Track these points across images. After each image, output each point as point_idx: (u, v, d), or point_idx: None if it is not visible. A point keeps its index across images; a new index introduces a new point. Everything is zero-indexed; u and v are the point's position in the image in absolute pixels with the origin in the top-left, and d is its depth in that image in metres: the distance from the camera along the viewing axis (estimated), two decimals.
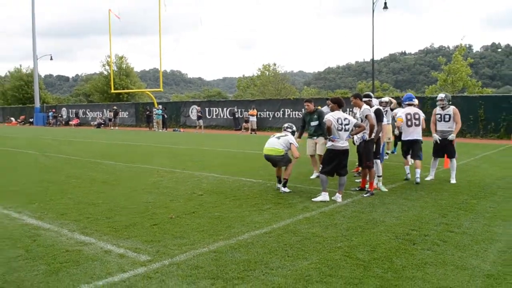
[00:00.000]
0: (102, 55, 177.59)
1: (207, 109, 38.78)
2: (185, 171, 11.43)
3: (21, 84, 69.47)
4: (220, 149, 18.73)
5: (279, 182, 9.00)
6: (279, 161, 8.84)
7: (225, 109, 37.84)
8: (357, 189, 8.92)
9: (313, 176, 10.47)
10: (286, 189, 8.77)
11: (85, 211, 7.21)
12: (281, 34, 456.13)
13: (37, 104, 53.82)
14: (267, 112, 34.63)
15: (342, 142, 7.90)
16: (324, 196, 7.88)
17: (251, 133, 31.58)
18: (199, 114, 37.50)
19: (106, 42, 43.69)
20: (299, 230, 6.05)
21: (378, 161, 9.12)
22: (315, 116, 10.37)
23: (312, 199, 7.92)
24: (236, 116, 35.76)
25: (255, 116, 32.74)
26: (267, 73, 68.62)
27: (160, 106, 39.08)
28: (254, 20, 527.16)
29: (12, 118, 56.13)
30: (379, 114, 9.00)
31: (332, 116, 7.94)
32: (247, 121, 33.47)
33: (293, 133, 9.21)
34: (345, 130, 7.92)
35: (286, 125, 9.39)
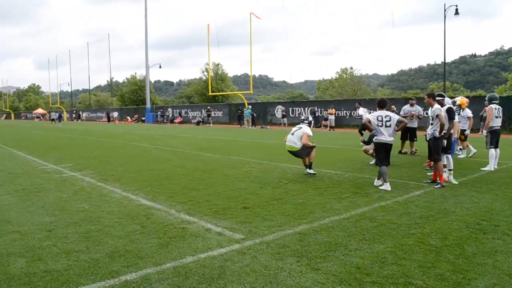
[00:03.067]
0: (201, 63, 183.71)
1: (290, 108, 38.91)
2: (272, 163, 11.52)
3: (136, 88, 73.60)
4: None
5: (307, 168, 9.49)
6: (299, 154, 9.35)
7: (306, 108, 37.75)
8: (429, 181, 8.54)
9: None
10: (312, 171, 9.39)
11: (189, 195, 7.48)
12: (357, 41, 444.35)
13: (148, 105, 56.71)
14: (345, 111, 34.04)
15: (384, 136, 7.90)
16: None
17: (329, 130, 31.22)
18: (284, 113, 37.83)
19: (205, 52, 44.98)
20: (375, 217, 5.91)
21: (450, 155, 8.75)
22: None
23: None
24: (317, 114, 35.49)
25: (334, 115, 32.34)
26: (345, 76, 67.30)
27: (250, 106, 39.72)
28: (333, 29, 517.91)
29: (128, 117, 59.58)
30: (450, 112, 8.75)
31: (371, 116, 8.12)
32: (326, 119, 33.16)
33: (309, 123, 9.59)
34: (386, 126, 7.89)
35: (302, 117, 9.89)
